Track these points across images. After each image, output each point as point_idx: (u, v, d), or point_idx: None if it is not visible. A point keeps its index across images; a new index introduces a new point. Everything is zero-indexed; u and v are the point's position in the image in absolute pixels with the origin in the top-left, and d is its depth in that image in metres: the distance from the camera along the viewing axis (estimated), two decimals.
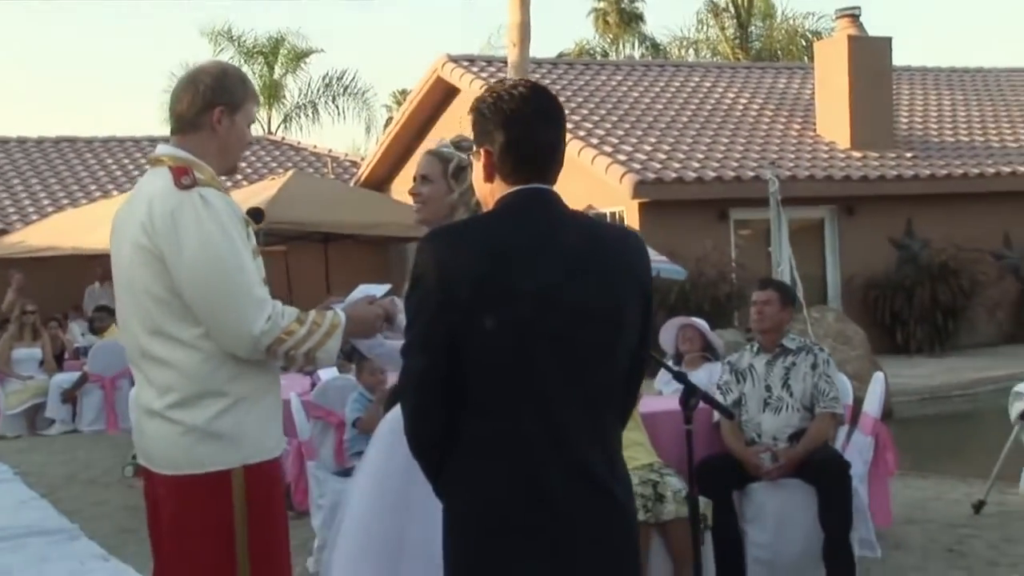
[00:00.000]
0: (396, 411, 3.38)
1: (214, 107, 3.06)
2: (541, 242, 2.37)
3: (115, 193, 20.23)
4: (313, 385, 7.48)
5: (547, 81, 18.42)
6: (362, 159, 24.80)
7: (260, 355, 2.94)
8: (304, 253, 14.73)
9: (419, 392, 2.39)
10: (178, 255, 2.90)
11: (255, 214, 3.19)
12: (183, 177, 2.95)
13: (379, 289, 3.37)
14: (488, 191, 2.49)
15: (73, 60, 65.13)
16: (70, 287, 17.76)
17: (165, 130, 25.59)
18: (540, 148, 2.45)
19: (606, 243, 2.45)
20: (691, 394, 2.98)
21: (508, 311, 2.30)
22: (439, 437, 2.38)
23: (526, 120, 2.43)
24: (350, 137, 76.53)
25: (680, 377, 3.16)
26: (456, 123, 19.25)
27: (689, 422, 3.01)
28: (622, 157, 16.54)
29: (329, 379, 7.37)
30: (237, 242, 2.94)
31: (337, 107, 29.04)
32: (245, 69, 16.12)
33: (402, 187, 20.49)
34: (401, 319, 3.21)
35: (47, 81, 64.21)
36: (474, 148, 2.52)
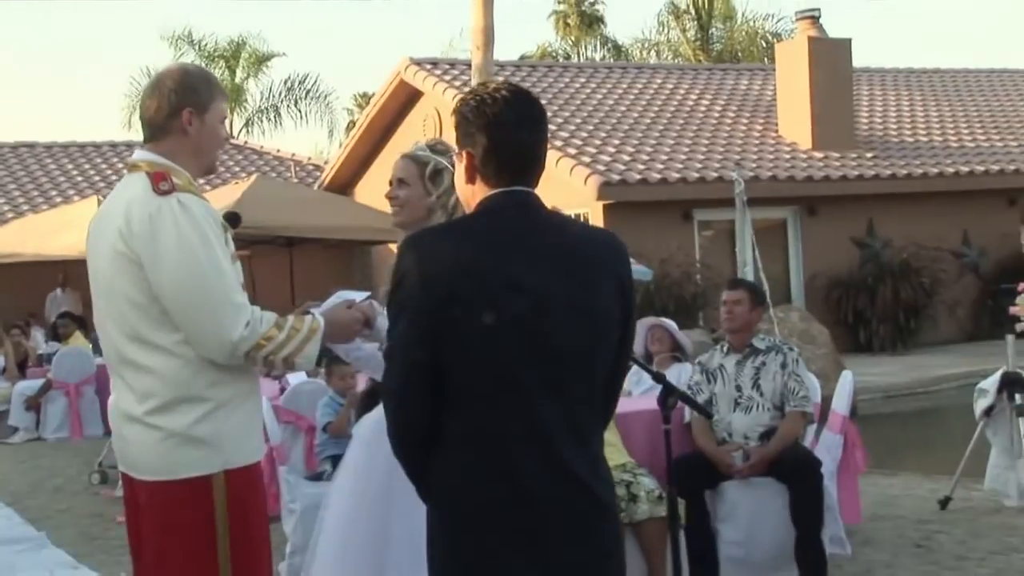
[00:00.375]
0: (378, 411, 3.39)
1: (182, 109, 3.05)
2: (522, 244, 2.39)
3: (76, 199, 20.07)
4: (283, 390, 7.45)
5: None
6: (325, 163, 24.73)
7: (239, 361, 2.94)
8: (268, 257, 14.68)
9: (401, 393, 2.40)
10: (156, 261, 2.90)
11: (232, 218, 3.19)
12: (161, 183, 2.95)
13: (358, 295, 3.37)
14: (470, 193, 2.51)
15: (31, 63, 64.46)
16: (30, 294, 17.61)
17: (127, 135, 25.48)
18: (522, 151, 2.47)
19: (587, 245, 2.48)
20: (670, 394, 3.00)
21: (489, 312, 2.32)
22: (422, 437, 2.39)
23: (508, 123, 2.44)
24: (313, 141, 76.25)
25: (658, 378, 3.18)
26: (419, 126, 19.26)
27: (668, 422, 3.03)
28: (586, 159, 16.59)
29: (299, 383, 7.35)
30: (215, 248, 2.94)
31: (299, 111, 28.96)
32: None
33: (366, 190, 20.47)
34: (380, 322, 3.23)
35: (3, 85, 63.53)
36: (456, 150, 2.54)
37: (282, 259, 15.90)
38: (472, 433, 2.35)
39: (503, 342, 2.33)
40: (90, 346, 12.71)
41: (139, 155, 3.11)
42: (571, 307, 2.38)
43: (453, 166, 3.48)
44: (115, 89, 54.66)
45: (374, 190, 19.70)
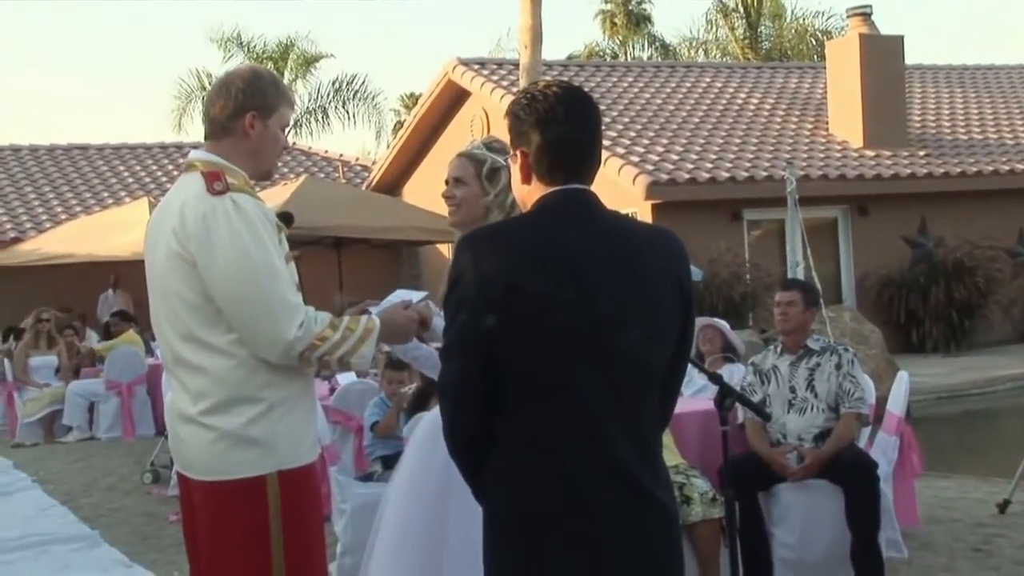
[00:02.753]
0: (434, 412, 3.38)
1: (246, 111, 3.06)
2: (578, 243, 2.38)
3: (127, 200, 20.30)
4: (332, 390, 7.48)
5: None
6: (373, 163, 24.82)
7: (293, 361, 2.94)
8: (317, 258, 14.76)
9: (457, 393, 2.40)
10: (210, 260, 2.90)
11: (285, 218, 3.20)
12: (215, 182, 2.96)
13: (415, 295, 3.37)
14: (526, 193, 2.50)
15: (82, 65, 65.30)
16: (82, 295, 17.82)
17: (177, 136, 25.71)
18: (576, 148, 2.46)
19: (645, 243, 2.46)
20: (726, 395, 2.97)
21: (544, 312, 2.31)
22: (477, 438, 2.39)
23: (560, 120, 2.43)
24: (361, 141, 76.70)
25: (714, 378, 3.15)
26: (467, 126, 19.28)
27: (725, 423, 2.99)
28: (635, 158, 16.53)
29: (349, 383, 7.37)
30: (269, 247, 2.94)
31: (347, 112, 29.03)
32: None
33: (413, 190, 20.53)
34: (437, 323, 3.23)
35: (56, 87, 64.41)
36: (511, 150, 2.53)
37: (331, 260, 15.98)
38: (527, 434, 2.34)
39: (560, 342, 2.32)
40: (142, 344, 12.82)
41: (195, 155, 3.12)
42: (629, 306, 2.36)
43: (510, 164, 3.48)
44: (165, 91, 55.16)
45: (422, 190, 19.76)
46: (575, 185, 2.45)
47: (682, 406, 5.76)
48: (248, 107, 3.06)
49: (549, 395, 2.33)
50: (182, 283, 2.95)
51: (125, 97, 64.92)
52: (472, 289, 2.34)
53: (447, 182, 3.61)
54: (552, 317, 2.31)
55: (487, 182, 3.51)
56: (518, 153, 2.49)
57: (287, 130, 3.20)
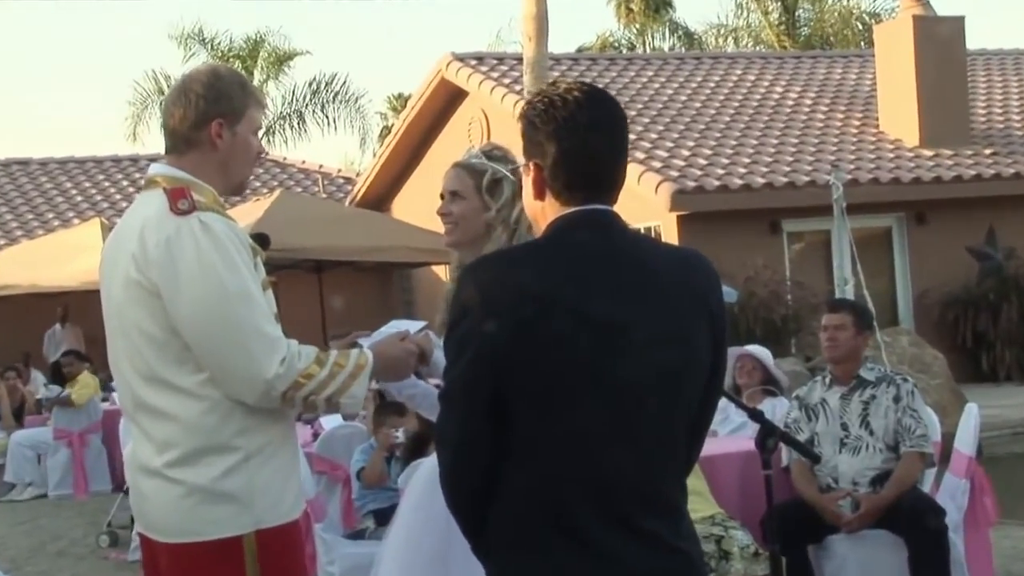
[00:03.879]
0: (432, 460, 3.39)
1: (210, 119, 3.07)
2: (600, 271, 2.40)
3: (76, 222, 20.34)
4: (316, 435, 7.48)
5: (565, 80, 18.48)
6: (357, 175, 24.90)
7: (274, 403, 2.95)
8: (295, 284, 14.78)
9: (458, 441, 2.42)
10: (175, 289, 2.92)
11: (261, 239, 3.22)
12: (180, 200, 2.97)
13: (413, 325, 3.39)
14: (539, 210, 2.52)
15: (18, 67, 65.54)
16: (25, 331, 17.83)
17: (132, 148, 25.79)
18: (598, 162, 2.48)
19: (673, 270, 2.49)
20: (769, 434, 2.97)
21: (560, 353, 2.33)
22: (480, 488, 2.41)
23: (581, 129, 2.45)
24: (342, 150, 76.74)
25: (755, 415, 3.15)
26: (464, 130, 19.34)
27: (768, 466, 3.00)
28: (657, 164, 16.56)
29: (334, 427, 7.37)
30: (244, 273, 2.95)
31: (327, 116, 29.14)
32: None
33: (404, 205, 20.56)
34: (438, 357, 3.23)
35: None
36: (523, 161, 2.55)
37: (311, 286, 16.01)
38: (535, 485, 2.36)
39: (573, 384, 2.34)
40: (98, 387, 12.81)
41: (157, 169, 3.14)
42: (654, 342, 2.39)
43: (513, 174, 3.50)
44: (118, 96, 55.45)
45: (413, 205, 19.78)
46: (596, 206, 2.47)
47: (718, 447, 5.80)
48: (212, 114, 3.07)
49: (559, 442, 2.35)
50: (144, 316, 2.96)
51: (72, 104, 65.23)
52: (477, 325, 2.36)
53: (442, 196, 3.62)
54: (569, 358, 2.33)
55: (488, 196, 3.52)
56: (531, 165, 2.51)
57: (259, 133, 3.22)
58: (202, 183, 3.06)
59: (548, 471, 2.35)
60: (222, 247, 2.94)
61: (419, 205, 19.31)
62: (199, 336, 2.92)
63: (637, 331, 2.38)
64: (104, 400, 12.90)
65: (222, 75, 3.16)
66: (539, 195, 2.51)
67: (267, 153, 3.04)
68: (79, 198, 22.66)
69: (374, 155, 24.63)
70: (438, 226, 3.67)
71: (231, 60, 28.24)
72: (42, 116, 65.81)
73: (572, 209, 2.46)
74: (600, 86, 2.60)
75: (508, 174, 3.52)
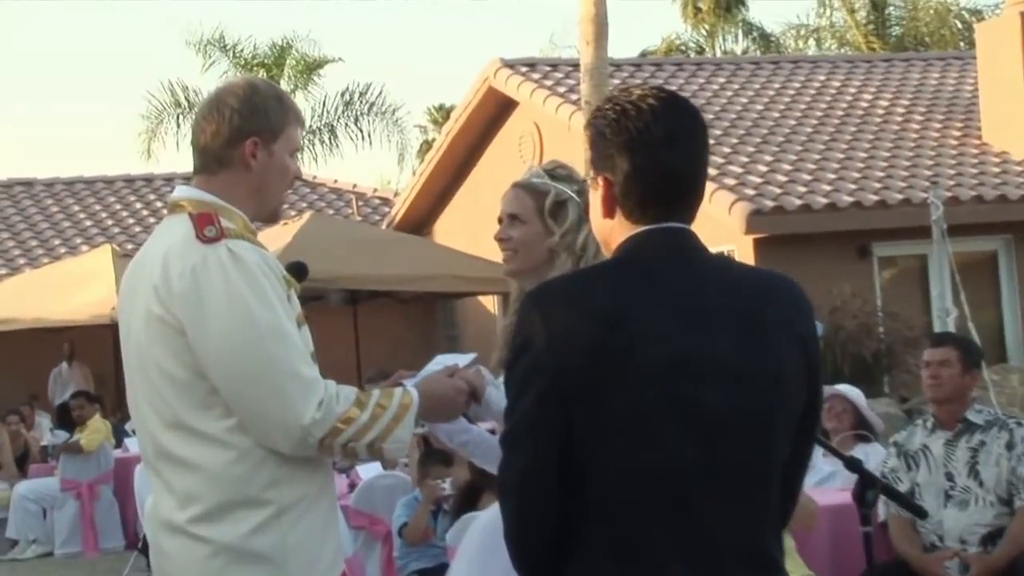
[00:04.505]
0: (491, 514, 3.39)
1: (244, 137, 3.12)
2: (677, 297, 2.41)
3: (84, 249, 20.57)
4: (352, 486, 7.50)
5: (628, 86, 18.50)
6: (395, 195, 25.00)
7: (310, 451, 2.97)
8: (327, 317, 14.81)
9: (524, 491, 2.42)
10: (201, 326, 2.94)
11: (297, 270, 3.24)
12: (207, 227, 3.01)
13: (462, 358, 3.40)
14: (608, 230, 2.54)
15: (20, 81, 66.41)
16: (29, 370, 17.98)
17: (146, 167, 26.02)
18: (675, 178, 2.49)
19: (760, 296, 2.49)
20: (868, 486, 2.95)
21: (638, 385, 2.34)
22: (549, 545, 2.41)
23: (657, 141, 2.46)
24: (378, 168, 77.34)
25: (852, 464, 3.13)
26: (514, 145, 19.39)
27: (867, 523, 2.98)
28: (730, 181, 16.52)
29: (373, 477, 7.40)
30: (277, 307, 2.98)
31: (360, 130, 29.25)
32: None
33: (447, 229, 20.62)
34: (492, 395, 3.24)
35: None
36: (591, 175, 2.56)
37: (344, 319, 16.10)
38: (613, 541, 2.36)
39: (653, 424, 2.34)
40: (109, 433, 12.88)
41: (182, 192, 3.18)
42: (742, 377, 2.39)
43: (579, 196, 3.50)
44: (130, 109, 56.14)
45: (457, 228, 19.84)
46: (672, 224, 2.48)
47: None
48: (247, 131, 3.11)
49: (640, 491, 2.35)
50: (166, 355, 2.98)
51: (79, 118, 66.04)
52: (545, 358, 2.36)
53: (500, 220, 3.64)
54: (648, 392, 2.34)
55: (551, 219, 3.54)
56: (600, 180, 2.52)
57: (297, 154, 3.25)
58: (232, 208, 3.10)
59: (632, 523, 2.35)
60: (253, 278, 2.96)
61: (464, 228, 19.37)
62: (227, 377, 2.94)
63: (722, 364, 2.38)
64: (116, 447, 12.99)
65: (259, 89, 3.20)
66: (608, 213, 2.52)
67: (313, 177, 3.06)
68: (88, 222, 22.84)
69: (414, 173, 24.74)
70: (485, 251, 3.70)
71: (254, 69, 28.47)
72: (46, 131, 66.63)
73: (645, 227, 2.47)
74: (681, 94, 2.59)
75: (573, 195, 3.53)
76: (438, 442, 4.10)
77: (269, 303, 2.96)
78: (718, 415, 2.37)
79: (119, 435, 13.83)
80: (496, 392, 3.30)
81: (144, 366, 3.04)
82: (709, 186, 16.05)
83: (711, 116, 18.81)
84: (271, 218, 3.28)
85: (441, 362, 3.43)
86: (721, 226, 15.79)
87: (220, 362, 2.94)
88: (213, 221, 3.02)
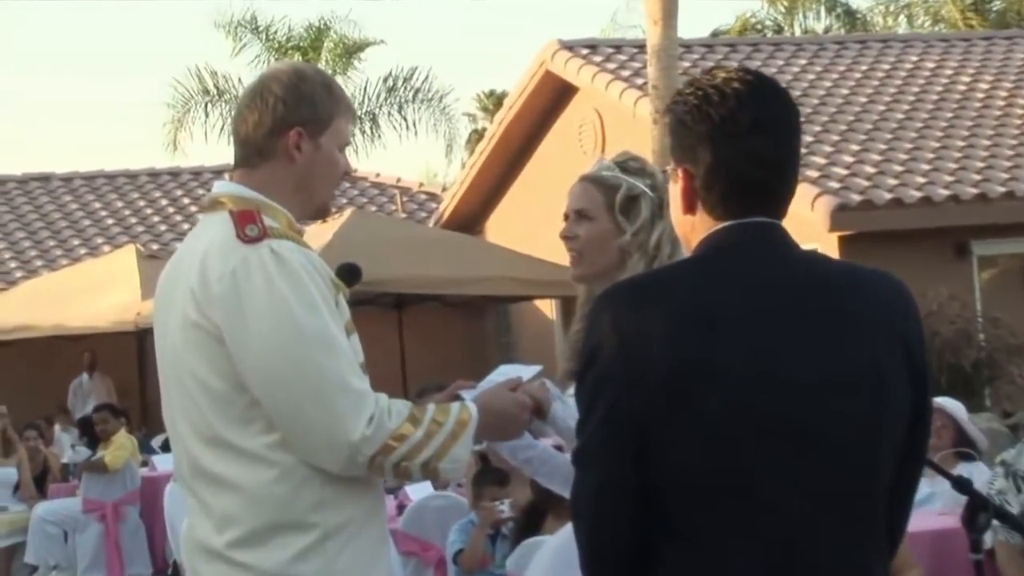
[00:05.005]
0: (561, 538, 3.40)
1: (289, 127, 3.14)
2: (766, 298, 2.41)
3: (106, 249, 20.71)
4: (401, 507, 7.52)
5: (698, 69, 18.45)
6: (443, 189, 25.07)
7: (359, 470, 2.99)
8: (370, 322, 14.87)
9: (599, 511, 2.42)
10: (242, 333, 2.97)
11: (349, 273, 3.26)
12: (248, 226, 3.03)
13: (526, 371, 3.41)
14: (688, 227, 2.54)
15: (40, 70, 67.00)
16: (46, 381, 18.11)
17: (171, 160, 26.19)
18: (763, 170, 2.48)
19: (859, 296, 2.48)
20: (980, 509, 2.93)
21: (721, 396, 2.33)
22: (626, 570, 2.41)
23: (746, 131, 2.46)
24: (424, 160, 77.41)
25: (961, 485, 3.10)
26: (574, 134, 19.38)
27: (977, 550, 2.96)
28: (813, 173, 16.45)
29: (424, 498, 7.41)
30: (324, 314, 3.00)
31: (405, 119, 29.32)
32: None
33: (501, 226, 20.62)
34: (558, 410, 3.24)
35: (4, 102, 66.18)
36: (671, 167, 2.56)
37: (388, 325, 16.15)
38: (696, 562, 2.37)
39: (745, 437, 2.34)
40: (135, 450, 12.95)
41: (222, 187, 3.22)
42: (843, 387, 2.38)
43: (652, 190, 3.50)
44: (154, 97, 56.55)
45: (511, 226, 19.84)
46: (761, 219, 2.48)
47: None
48: (292, 121, 3.14)
49: (725, 512, 2.35)
50: (203, 364, 3.01)
51: (99, 107, 66.57)
52: (618, 365, 2.36)
53: (566, 216, 3.65)
54: (732, 403, 2.33)
55: (622, 216, 3.55)
56: (680, 171, 2.53)
57: (347, 148, 3.28)
58: (276, 204, 3.13)
59: (716, 545, 2.35)
60: (298, 282, 2.98)
61: (518, 226, 19.37)
62: (269, 389, 2.96)
63: (814, 371, 2.38)
64: (143, 464, 13.06)
65: (307, 75, 3.22)
66: (689, 208, 2.53)
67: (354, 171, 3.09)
68: (109, 220, 22.99)
69: (463, 165, 24.80)
70: (541, 251, 3.71)
71: (289, 52, 28.62)
72: (68, 121, 67.20)
73: (730, 222, 2.48)
74: (771, 76, 2.59)
75: (647, 190, 3.54)
76: (498, 459, 4.10)
77: (315, 308, 2.97)
78: (811, 426, 2.37)
79: (146, 452, 13.93)
80: (562, 407, 3.30)
81: (180, 377, 3.07)
82: None
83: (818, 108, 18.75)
84: (317, 214, 3.31)
85: (504, 373, 3.43)
86: (803, 223, 15.70)
87: (261, 372, 2.96)
88: (255, 219, 3.04)
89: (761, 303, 2.40)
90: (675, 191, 2.55)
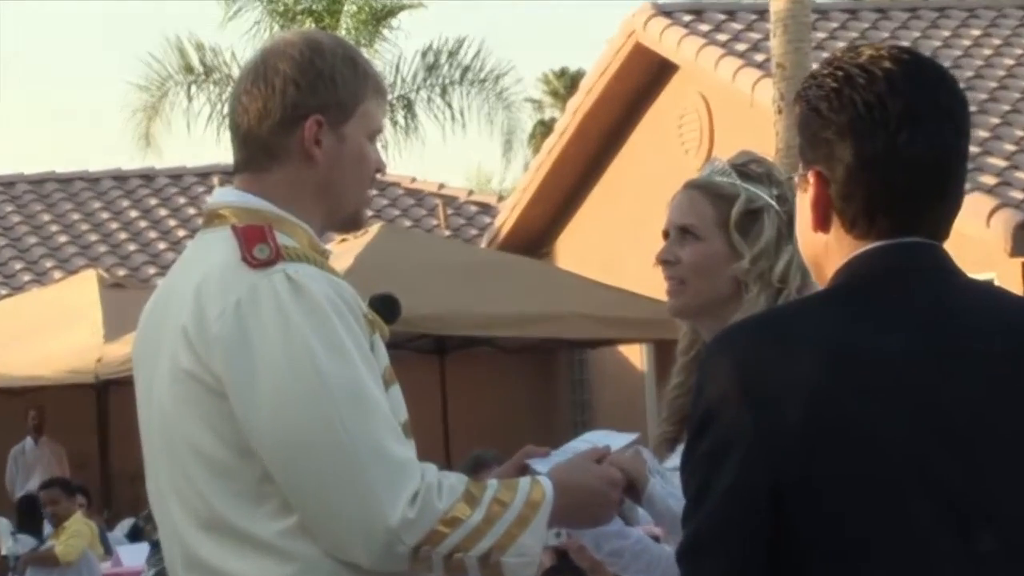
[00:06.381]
0: None
1: (304, 117, 3.15)
2: (932, 341, 2.43)
3: (57, 276, 20.81)
4: None
5: (837, 42, 18.42)
6: (499, 199, 25.09)
7: (400, 564, 2.99)
8: (404, 372, 14.92)
9: None
10: (249, 385, 2.99)
11: (383, 306, 3.27)
12: (257, 245, 3.04)
13: (618, 438, 3.40)
14: (820, 249, 2.55)
15: None
16: None
17: (142, 159, 26.32)
18: (925, 176, 2.50)
19: None
20: None
21: (876, 463, 2.37)
22: None
23: (895, 121, 2.47)
24: (475, 160, 77.59)
25: None
26: (672, 125, 19.34)
27: None
28: (988, 179, 16.40)
29: None
30: (355, 360, 3.01)
31: (449, 106, 29.31)
32: None
33: (575, 248, 20.57)
34: (656, 488, 3.26)
35: None
36: (799, 171, 2.59)
37: (428, 372, 16.14)
38: None
39: (897, 506, 2.36)
40: (95, 537, 12.97)
41: (222, 197, 3.24)
42: (1017, 441, 2.42)
43: (780, 202, 3.52)
44: (120, 78, 56.89)
45: (589, 247, 19.83)
46: (916, 239, 2.49)
47: None
48: (307, 108, 3.15)
49: None
50: (200, 427, 3.03)
51: (52, 95, 67.02)
52: (741, 427, 2.39)
53: (665, 234, 3.66)
54: (891, 472, 2.36)
55: (739, 235, 3.55)
56: (811, 176, 2.54)
57: (378, 138, 3.30)
58: (292, 218, 3.14)
59: None
60: (322, 318, 2.98)
61: (599, 247, 19.37)
62: (284, 459, 2.98)
63: (991, 424, 2.42)
64: (106, 557, 13.09)
65: (323, 47, 3.23)
66: (822, 223, 2.52)
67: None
68: (61, 237, 23.19)
69: (526, 168, 24.78)
70: (628, 279, 3.73)
71: (299, 19, 28.70)
72: (11, 114, 67.70)
73: (875, 244, 2.48)
74: (927, 56, 2.61)
75: (772, 202, 3.54)
76: (578, 553, 4.12)
77: (344, 353, 2.98)
78: (986, 493, 2.40)
79: (107, 542, 13.93)
80: (661, 484, 3.31)
81: (170, 443, 3.08)
82: None
83: (961, 84, 18.66)
84: (348, 227, 3.34)
85: (589, 441, 3.44)
86: (975, 242, 15.65)
87: (273, 437, 2.97)
88: (265, 237, 3.05)
89: (919, 343, 2.42)
90: (803, 202, 2.55)
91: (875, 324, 2.45)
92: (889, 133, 2.48)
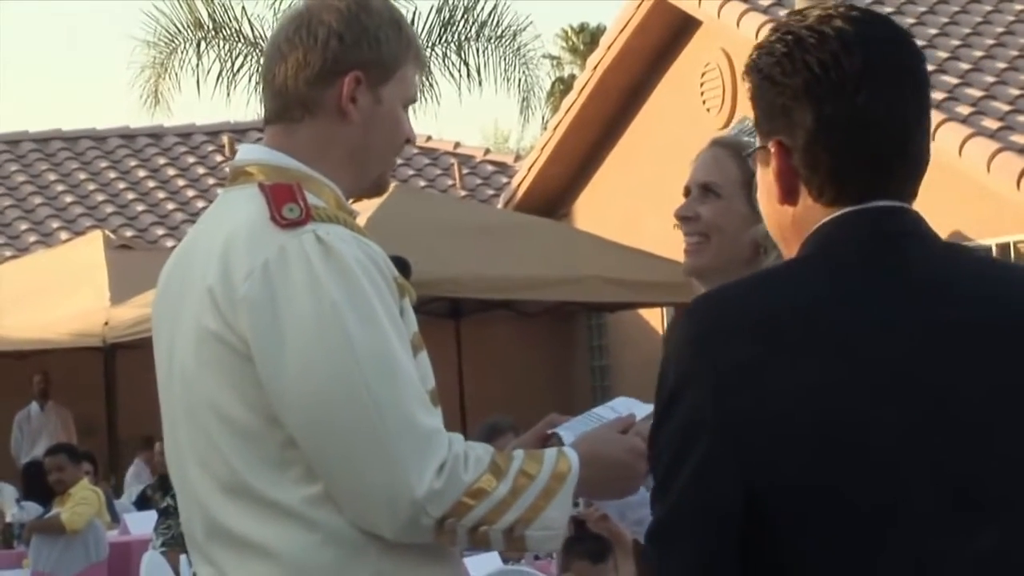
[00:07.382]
0: None
1: (344, 72, 3.15)
2: (900, 310, 2.42)
3: (64, 237, 20.81)
4: None
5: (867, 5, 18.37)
6: (516, 159, 25.08)
7: (425, 535, 3.00)
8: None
9: None
10: (276, 349, 2.99)
11: (397, 269, 3.24)
12: (287, 204, 3.05)
13: (644, 408, 3.38)
14: (788, 219, 2.55)
15: None
16: None
17: (150, 117, 26.31)
18: (884, 132, 2.49)
19: None
20: None
21: (851, 437, 2.35)
22: None
23: (852, 81, 2.46)
24: (491, 118, 77.51)
25: None
26: (694, 83, 19.29)
27: None
28: (991, 125, 16.31)
29: (492, 573, 7.44)
30: (385, 325, 3.01)
31: (465, 63, 29.26)
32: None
33: (595, 209, 20.54)
34: None
35: None
36: (756, 144, 2.58)
37: (444, 336, 16.11)
38: None
39: (877, 496, 2.35)
40: (102, 505, 12.99)
41: (250, 153, 3.26)
42: (1006, 423, 2.41)
43: None
44: (124, 37, 56.84)
45: (609, 208, 19.82)
46: (884, 202, 2.49)
47: None
48: (348, 63, 3.16)
49: None
50: (225, 390, 3.04)
51: (54, 53, 66.99)
52: (709, 406, 2.37)
53: (687, 191, 3.66)
54: (869, 453, 2.35)
55: None
56: (771, 146, 2.53)
57: (412, 106, 3.31)
58: (322, 177, 3.14)
59: None
60: (352, 281, 2.99)
61: (618, 208, 19.37)
62: (308, 425, 2.98)
63: (974, 406, 2.40)
64: (113, 525, 13.10)
65: (372, 6, 3.24)
66: (787, 195, 2.52)
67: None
68: (68, 197, 23.23)
69: (544, 126, 24.77)
70: (649, 241, 3.71)
71: None
72: (15, 72, 67.70)
73: (844, 210, 2.47)
74: (882, 13, 2.60)
75: None
76: (601, 522, 4.11)
77: (374, 317, 2.98)
78: (965, 478, 2.38)
79: (114, 510, 13.94)
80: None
81: (192, 408, 3.09)
82: (986, 144, 15.89)
83: (990, 43, 18.59)
84: (372, 192, 3.32)
85: (616, 409, 3.44)
86: (1006, 207, 15.60)
87: (298, 402, 2.97)
88: (295, 196, 3.05)
89: (897, 317, 2.40)
90: (766, 176, 2.55)
91: (848, 293, 2.43)
92: (847, 93, 2.47)
